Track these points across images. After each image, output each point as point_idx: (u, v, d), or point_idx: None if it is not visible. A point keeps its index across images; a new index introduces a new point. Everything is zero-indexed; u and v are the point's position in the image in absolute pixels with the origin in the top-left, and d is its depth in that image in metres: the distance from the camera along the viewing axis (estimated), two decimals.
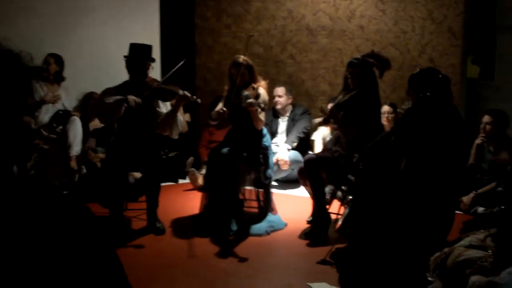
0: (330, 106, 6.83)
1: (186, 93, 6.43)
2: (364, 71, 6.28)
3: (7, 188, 1.45)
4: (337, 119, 6.40)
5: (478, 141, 7.19)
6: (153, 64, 6.71)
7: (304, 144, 8.68)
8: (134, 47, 6.56)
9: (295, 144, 8.55)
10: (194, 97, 6.56)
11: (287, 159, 8.28)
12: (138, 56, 6.51)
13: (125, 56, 6.55)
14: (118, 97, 6.29)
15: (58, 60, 8.26)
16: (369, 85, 6.29)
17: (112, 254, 1.55)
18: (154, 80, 6.58)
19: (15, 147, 1.51)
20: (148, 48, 6.60)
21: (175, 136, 6.75)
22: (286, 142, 8.54)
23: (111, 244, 1.55)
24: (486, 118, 7.17)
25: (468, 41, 8.83)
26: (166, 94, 6.46)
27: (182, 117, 8.59)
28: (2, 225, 1.39)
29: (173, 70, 6.62)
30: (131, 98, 6.23)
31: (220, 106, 6.73)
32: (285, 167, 8.22)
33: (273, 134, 8.49)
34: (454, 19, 8.60)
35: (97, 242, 1.52)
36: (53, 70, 8.21)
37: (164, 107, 6.60)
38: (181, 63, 6.62)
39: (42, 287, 1.39)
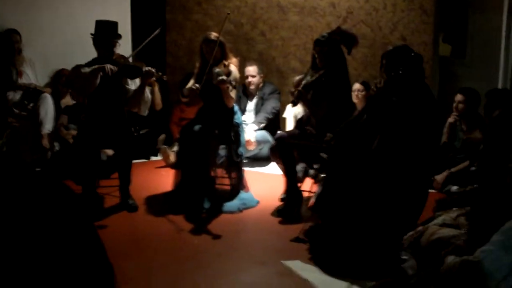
0: (297, 78, 6.76)
1: (151, 69, 6.39)
2: (332, 49, 6.26)
3: None
4: (305, 100, 6.39)
5: (450, 119, 7.23)
6: (122, 41, 6.68)
7: (273, 123, 8.65)
8: (99, 24, 6.50)
9: (262, 125, 8.49)
10: (160, 73, 6.54)
11: (253, 139, 8.22)
12: (104, 33, 6.45)
13: (91, 34, 6.50)
14: (94, 66, 6.27)
15: (20, 35, 8.20)
16: (338, 63, 6.28)
17: (91, 229, 1.54)
18: (122, 56, 6.52)
19: None
20: (113, 24, 6.53)
21: (144, 112, 6.75)
22: (253, 122, 8.46)
23: (90, 219, 1.54)
24: (458, 97, 7.20)
25: (439, 19, 8.83)
26: (132, 71, 6.42)
27: (158, 94, 8.60)
28: None
29: (146, 41, 6.64)
30: (108, 66, 6.20)
31: (191, 82, 6.71)
32: (251, 148, 8.15)
33: (242, 112, 8.43)
34: None
35: (76, 217, 1.51)
36: (18, 47, 8.16)
37: (133, 84, 6.56)
38: (156, 32, 6.60)
39: (23, 263, 1.37)
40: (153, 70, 6.42)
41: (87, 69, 6.27)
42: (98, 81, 6.26)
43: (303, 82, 6.39)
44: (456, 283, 3.31)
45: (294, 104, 6.50)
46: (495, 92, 7.07)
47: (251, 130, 8.26)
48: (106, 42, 6.43)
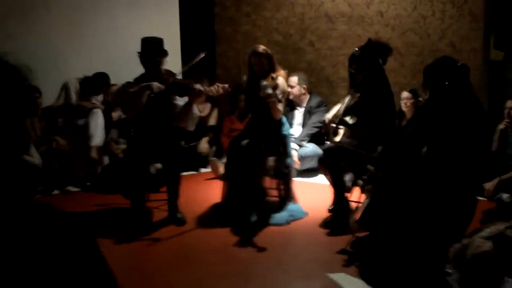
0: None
1: (201, 88, 6.43)
2: (368, 64, 6.21)
3: None
4: (346, 125, 6.36)
5: (501, 126, 7.08)
6: (172, 55, 6.70)
7: (322, 134, 8.61)
8: (145, 42, 6.53)
9: (304, 142, 8.47)
10: (210, 89, 6.55)
11: (296, 159, 8.08)
12: (149, 52, 6.48)
13: (138, 52, 6.54)
14: (142, 84, 6.31)
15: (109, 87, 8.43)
16: (377, 78, 6.22)
17: (94, 250, 1.55)
18: (170, 72, 6.54)
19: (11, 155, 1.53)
20: (159, 42, 6.55)
21: (191, 128, 6.75)
22: (295, 141, 8.35)
23: (91, 239, 1.55)
24: (509, 103, 7.06)
25: (489, 25, 8.70)
26: (180, 89, 6.43)
27: (215, 114, 8.77)
28: None
29: (191, 63, 6.64)
30: (155, 84, 6.25)
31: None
32: (296, 167, 8.00)
33: (289, 126, 8.40)
34: (474, 2, 8.50)
35: (75, 240, 1.52)
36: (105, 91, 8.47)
37: (181, 99, 6.58)
38: (200, 56, 6.59)
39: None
40: (202, 88, 6.46)
41: (134, 88, 6.32)
42: (144, 99, 6.29)
43: (343, 106, 6.38)
44: None
45: (335, 134, 6.49)
46: None
47: (293, 150, 8.17)
48: (152, 61, 6.47)
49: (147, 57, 6.48)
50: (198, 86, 6.38)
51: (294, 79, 8.67)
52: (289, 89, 8.48)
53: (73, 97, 8.19)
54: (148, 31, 6.98)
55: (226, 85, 6.67)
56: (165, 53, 6.55)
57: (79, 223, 1.54)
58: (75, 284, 1.45)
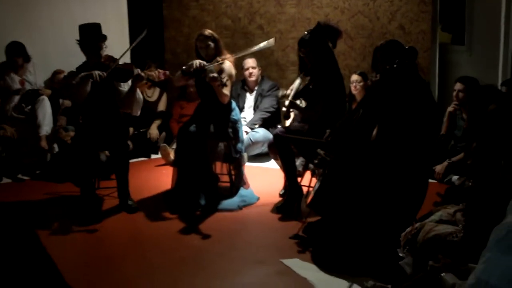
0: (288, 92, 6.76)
1: (141, 73, 6.45)
2: (317, 48, 6.21)
3: None
4: (297, 108, 6.38)
5: (450, 108, 7.14)
6: (120, 38, 6.64)
7: (274, 118, 8.61)
8: (82, 29, 6.48)
9: (256, 126, 8.48)
10: (151, 73, 6.53)
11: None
12: (88, 37, 6.44)
13: (76, 40, 6.49)
14: (82, 74, 6.24)
15: (22, 50, 8.19)
16: (326, 61, 6.22)
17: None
18: (111, 58, 6.49)
19: None
20: (96, 27, 6.50)
21: (136, 113, 6.74)
22: (247, 124, 8.42)
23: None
24: (458, 86, 7.11)
25: (438, 7, 8.73)
26: (122, 74, 6.39)
27: (164, 99, 8.71)
28: None
29: (132, 45, 6.62)
30: (95, 72, 6.16)
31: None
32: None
33: (241, 109, 8.39)
34: None
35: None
36: (21, 61, 8.20)
37: (126, 85, 6.54)
38: (141, 36, 6.52)
39: None
40: (142, 73, 6.48)
41: (76, 79, 6.26)
42: (88, 88, 6.26)
43: (293, 91, 6.38)
44: None
45: (286, 118, 6.50)
46: (486, 88, 6.92)
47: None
48: (91, 46, 6.44)
49: (87, 43, 6.44)
50: (137, 71, 6.36)
51: (253, 60, 8.70)
52: (251, 70, 8.61)
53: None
54: (96, 17, 6.88)
55: (167, 72, 6.64)
56: (103, 38, 6.51)
57: (14, 215, 1.50)
58: (14, 274, 1.41)
